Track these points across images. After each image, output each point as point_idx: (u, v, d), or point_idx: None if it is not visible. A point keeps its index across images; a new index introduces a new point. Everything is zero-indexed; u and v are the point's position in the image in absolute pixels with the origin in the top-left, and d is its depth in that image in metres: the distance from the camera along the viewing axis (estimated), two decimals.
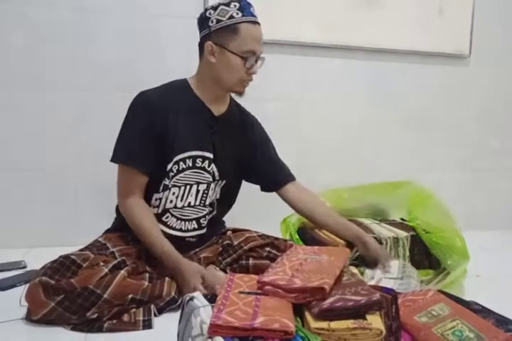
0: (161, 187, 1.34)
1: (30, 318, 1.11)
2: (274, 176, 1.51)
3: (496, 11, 2.26)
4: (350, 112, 2.14)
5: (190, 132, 1.33)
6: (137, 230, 1.30)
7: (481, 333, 0.89)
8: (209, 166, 1.38)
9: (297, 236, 1.60)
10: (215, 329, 0.73)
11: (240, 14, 1.26)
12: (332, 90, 2.11)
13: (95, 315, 1.11)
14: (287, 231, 1.63)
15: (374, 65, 2.14)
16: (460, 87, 2.28)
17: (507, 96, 2.35)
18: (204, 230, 1.42)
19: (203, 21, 1.31)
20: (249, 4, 1.30)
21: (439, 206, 1.49)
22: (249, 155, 1.48)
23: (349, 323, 0.78)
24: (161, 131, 1.30)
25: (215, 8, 1.28)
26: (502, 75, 2.32)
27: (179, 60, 1.84)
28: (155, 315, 1.16)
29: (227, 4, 1.27)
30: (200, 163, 1.36)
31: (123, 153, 1.32)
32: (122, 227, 1.37)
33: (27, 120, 1.78)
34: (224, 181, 1.44)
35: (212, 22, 1.27)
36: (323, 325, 0.78)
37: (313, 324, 0.78)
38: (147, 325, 1.12)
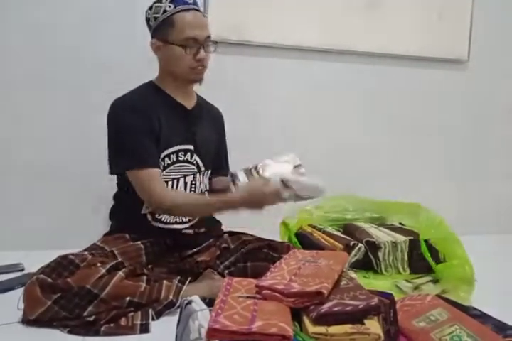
0: None
1: (26, 318, 1.10)
2: (221, 167, 1.56)
3: (495, 16, 2.27)
4: (348, 116, 2.15)
5: (170, 128, 1.36)
6: (195, 207, 1.33)
7: (479, 338, 0.89)
8: (191, 157, 1.41)
9: (295, 240, 1.60)
10: (213, 333, 0.73)
11: (172, 6, 1.29)
12: (329, 94, 2.12)
13: (92, 318, 1.11)
14: (286, 234, 1.63)
15: (373, 69, 2.15)
16: (458, 92, 2.28)
17: (505, 101, 2.36)
18: (196, 219, 1.43)
19: (147, 23, 1.36)
20: None
21: (448, 231, 1.49)
22: (217, 144, 1.54)
23: (347, 328, 0.78)
24: (149, 128, 1.32)
25: (150, 7, 1.33)
26: (500, 80, 2.33)
27: None
28: (153, 319, 1.16)
29: (160, 0, 1.31)
30: (183, 156, 1.39)
31: (133, 159, 1.29)
32: (119, 228, 1.38)
33: (26, 121, 1.78)
34: (209, 170, 1.48)
35: (151, 21, 1.33)
36: (321, 329, 0.77)
37: (311, 328, 0.78)
38: (144, 329, 1.12)
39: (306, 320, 0.81)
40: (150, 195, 1.29)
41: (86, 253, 1.23)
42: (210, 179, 1.52)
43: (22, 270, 1.53)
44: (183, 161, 1.39)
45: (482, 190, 2.37)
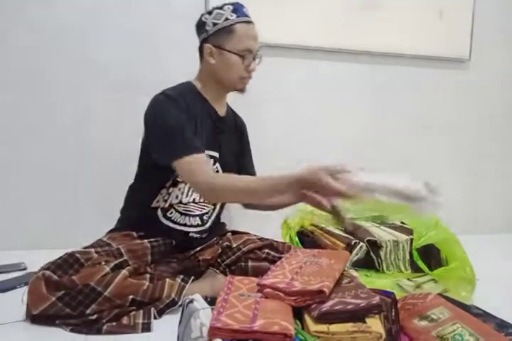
0: (171, 182, 1.36)
1: (30, 313, 1.11)
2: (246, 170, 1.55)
3: (496, 15, 2.27)
4: (351, 115, 2.15)
5: (201, 132, 1.36)
6: (243, 190, 1.22)
7: (481, 337, 0.89)
8: (214, 165, 1.41)
9: (297, 239, 1.60)
10: (214, 331, 0.73)
11: (234, 16, 1.32)
12: (334, 94, 2.12)
13: (95, 316, 1.11)
14: (287, 233, 1.63)
15: (374, 68, 2.15)
16: (460, 91, 2.28)
17: (507, 100, 2.35)
18: (206, 226, 1.44)
19: (200, 26, 1.37)
20: (242, 6, 1.36)
21: (447, 231, 1.48)
22: (241, 154, 1.54)
23: (348, 326, 0.78)
24: (191, 123, 1.32)
25: (210, 12, 1.35)
26: (502, 79, 2.33)
27: (178, 61, 1.85)
28: (155, 318, 1.16)
29: (221, 8, 1.33)
30: None
31: (182, 148, 1.26)
32: (127, 225, 1.39)
33: (27, 120, 1.78)
34: None
35: (208, 26, 1.34)
36: (323, 328, 0.78)
37: (313, 327, 0.78)
38: (146, 328, 1.12)
39: (307, 319, 0.81)
40: (205, 180, 1.23)
41: (92, 250, 1.24)
42: None
43: (24, 269, 1.54)
44: None
45: (485, 189, 2.37)
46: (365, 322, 0.79)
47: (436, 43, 2.18)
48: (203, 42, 1.37)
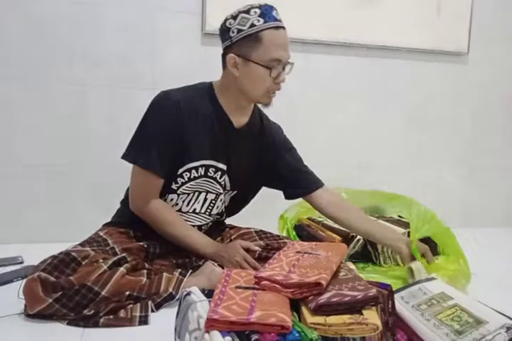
0: (167, 190, 1.33)
1: (26, 312, 1.10)
2: (299, 184, 1.46)
3: (495, 9, 2.26)
4: (349, 109, 2.15)
5: (207, 141, 1.30)
6: (165, 229, 1.32)
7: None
8: (221, 177, 1.36)
9: (294, 233, 1.60)
10: (211, 323, 0.73)
11: (262, 21, 1.19)
12: (331, 87, 2.11)
13: (92, 312, 1.11)
14: (284, 227, 1.64)
15: (373, 62, 2.14)
16: (459, 85, 2.28)
17: (505, 94, 2.35)
18: (205, 228, 1.43)
19: (223, 32, 1.25)
20: (271, 8, 1.23)
21: (442, 225, 1.49)
22: (266, 166, 1.44)
23: (345, 318, 0.78)
24: (180, 135, 1.27)
25: (234, 17, 1.21)
26: (500, 73, 2.33)
27: (175, 54, 1.84)
28: (152, 311, 1.16)
29: (247, 11, 1.20)
30: (213, 173, 1.34)
31: (143, 156, 1.27)
32: (125, 222, 1.38)
33: (23, 115, 1.77)
34: (235, 191, 1.44)
35: (233, 32, 1.21)
36: (320, 319, 0.78)
37: (310, 319, 0.78)
38: (143, 321, 1.12)
39: (304, 311, 0.81)
40: (140, 198, 1.30)
41: (88, 249, 1.22)
42: (308, 196, 1.45)
43: (21, 263, 1.53)
44: (211, 178, 1.34)
45: (482, 183, 2.38)
46: (362, 314, 0.79)
47: (434, 37, 2.17)
48: (226, 50, 1.25)
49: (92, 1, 1.78)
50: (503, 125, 2.38)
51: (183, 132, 1.27)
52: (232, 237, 1.46)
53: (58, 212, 1.83)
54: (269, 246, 1.38)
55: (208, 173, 1.33)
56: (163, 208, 1.32)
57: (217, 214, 1.43)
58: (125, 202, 1.41)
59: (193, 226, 1.38)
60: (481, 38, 2.24)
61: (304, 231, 1.63)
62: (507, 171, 2.41)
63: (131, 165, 1.39)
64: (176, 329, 0.90)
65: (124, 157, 1.30)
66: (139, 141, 1.30)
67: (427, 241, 1.50)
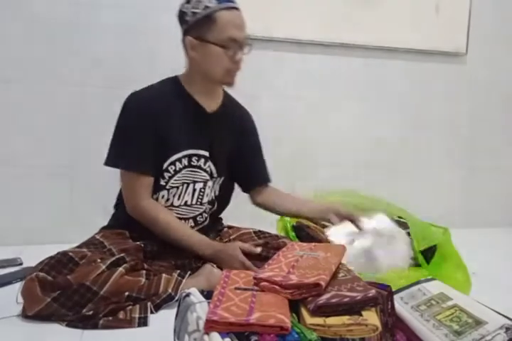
0: (157, 188, 1.33)
1: (25, 314, 1.10)
2: (254, 174, 1.52)
3: (493, 9, 2.27)
4: (347, 110, 2.15)
5: (184, 131, 1.32)
6: (162, 230, 1.32)
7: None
8: (205, 164, 1.37)
9: (293, 233, 1.59)
10: (211, 325, 0.73)
11: (215, 2, 1.23)
12: (329, 88, 2.12)
13: (91, 312, 1.11)
14: (283, 228, 1.63)
15: (371, 62, 2.14)
16: (457, 85, 2.28)
17: (504, 94, 2.36)
18: (201, 226, 1.43)
19: (180, 17, 1.29)
20: None
21: (438, 236, 1.49)
22: (238, 150, 1.47)
23: (345, 319, 0.78)
24: (157, 132, 1.29)
25: (188, 1, 1.26)
26: (499, 73, 2.33)
27: (172, 56, 1.83)
28: (151, 312, 1.16)
29: None
30: (196, 162, 1.36)
31: (125, 159, 1.29)
32: (121, 224, 1.38)
33: (23, 116, 1.77)
34: (222, 178, 1.45)
35: (188, 16, 1.25)
36: (319, 320, 0.77)
37: (309, 320, 0.78)
38: (143, 322, 1.12)
39: (303, 312, 0.81)
40: (132, 200, 1.30)
41: (85, 250, 1.22)
42: (250, 189, 1.51)
43: (20, 264, 1.53)
44: (195, 167, 1.36)
45: (482, 183, 2.38)
46: (361, 314, 0.79)
47: (432, 37, 2.17)
48: (184, 34, 1.29)
49: (92, 1, 1.78)
50: (502, 125, 2.38)
51: (158, 128, 1.29)
52: (231, 237, 1.46)
53: (58, 214, 1.83)
54: (268, 245, 1.38)
55: (192, 162, 1.35)
56: (158, 209, 1.33)
57: (209, 202, 1.43)
58: (118, 206, 1.43)
59: (188, 218, 1.39)
60: (480, 38, 2.24)
61: (302, 232, 1.62)
62: (506, 171, 2.41)
63: None
64: (175, 330, 0.89)
65: (107, 163, 1.32)
66: (118, 144, 1.32)
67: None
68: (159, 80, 1.37)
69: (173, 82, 1.36)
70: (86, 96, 1.82)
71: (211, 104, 1.38)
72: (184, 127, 1.32)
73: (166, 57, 1.85)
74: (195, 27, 1.25)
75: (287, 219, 1.66)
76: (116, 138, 1.32)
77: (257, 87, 1.98)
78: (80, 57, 1.80)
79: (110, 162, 1.32)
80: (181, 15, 1.28)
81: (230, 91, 1.43)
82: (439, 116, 2.28)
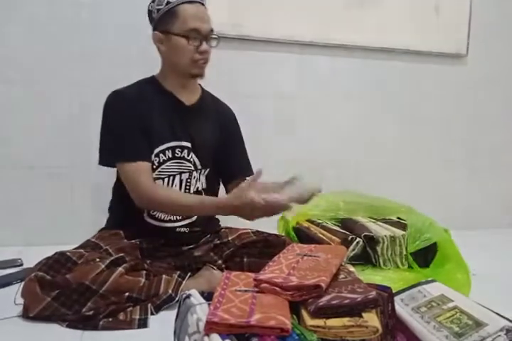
0: None
1: (26, 315, 1.10)
2: (234, 168, 1.51)
3: (494, 10, 2.27)
4: (347, 111, 2.15)
5: (165, 124, 1.36)
6: (177, 210, 1.32)
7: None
8: (188, 155, 1.40)
9: (293, 234, 1.60)
10: (211, 326, 0.73)
11: None
12: (328, 88, 2.12)
13: (91, 312, 1.11)
14: (284, 228, 1.63)
15: (371, 64, 2.14)
16: (458, 86, 2.28)
17: (504, 95, 2.36)
18: (193, 219, 1.43)
19: (149, 16, 1.36)
20: None
21: (440, 232, 1.48)
22: (220, 143, 1.49)
23: (345, 321, 0.77)
24: (140, 125, 1.32)
25: (153, 0, 1.33)
26: (499, 74, 2.33)
27: None
28: (152, 314, 1.16)
29: None
30: (180, 153, 1.38)
31: (122, 152, 1.31)
32: (115, 225, 1.39)
33: (23, 117, 1.77)
34: (207, 169, 1.46)
35: (154, 13, 1.33)
36: (320, 322, 0.77)
37: (310, 321, 0.78)
38: (142, 324, 1.12)
39: (304, 313, 0.81)
40: (137, 188, 1.29)
41: (82, 250, 1.23)
42: (229, 182, 1.49)
43: (20, 265, 1.53)
44: (179, 158, 1.38)
45: (482, 184, 2.38)
46: (361, 316, 0.79)
47: (432, 38, 2.18)
48: (153, 31, 1.34)
49: (92, 2, 1.78)
50: (502, 126, 2.38)
51: (141, 122, 1.32)
52: (230, 237, 1.46)
53: (58, 215, 1.83)
54: (269, 243, 1.40)
55: (176, 154, 1.37)
56: (166, 189, 1.35)
57: (195, 193, 1.43)
58: (112, 208, 1.45)
59: None
60: (480, 40, 2.24)
61: (303, 233, 1.63)
62: (506, 171, 2.41)
63: None
64: (175, 332, 0.89)
65: (101, 162, 1.35)
66: (108, 142, 1.34)
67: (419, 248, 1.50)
68: (132, 83, 1.41)
69: (150, 80, 1.41)
70: (87, 97, 1.81)
71: (190, 98, 1.42)
72: (165, 119, 1.36)
73: None
74: (160, 22, 1.31)
75: (288, 219, 1.66)
76: (105, 137, 1.35)
77: (257, 88, 1.98)
78: (80, 57, 1.79)
79: (105, 161, 1.34)
80: (149, 14, 1.35)
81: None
82: (440, 117, 2.28)
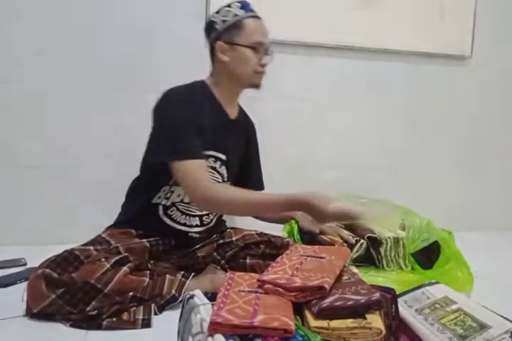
0: (174, 180, 1.33)
1: (30, 311, 1.11)
2: (249, 181, 1.54)
3: (498, 12, 2.26)
4: (352, 112, 2.15)
5: (209, 132, 1.35)
6: (239, 210, 1.28)
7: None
8: (220, 167, 1.40)
9: (298, 236, 1.59)
10: (215, 327, 0.73)
11: (243, 11, 1.34)
12: (334, 90, 2.11)
13: (95, 312, 1.12)
14: (289, 229, 1.63)
15: (375, 65, 2.14)
16: (462, 88, 2.28)
17: (508, 97, 2.35)
18: (206, 227, 1.44)
19: (209, 26, 1.38)
20: (249, 3, 1.38)
21: (438, 232, 1.48)
22: (242, 157, 1.52)
23: (349, 322, 0.78)
24: (196, 124, 1.30)
25: (217, 11, 1.36)
26: (503, 76, 2.32)
27: (179, 58, 1.85)
28: (155, 314, 1.16)
29: (229, 5, 1.35)
30: (213, 163, 1.38)
31: (181, 149, 1.27)
32: (128, 222, 1.38)
33: (24, 116, 1.78)
34: (230, 182, 1.46)
35: (218, 24, 1.35)
36: (323, 323, 0.77)
37: (313, 323, 0.78)
38: (146, 324, 1.12)
39: (307, 314, 0.81)
40: (196, 184, 1.24)
41: (91, 248, 1.24)
42: None
43: (24, 265, 1.54)
44: (211, 168, 1.37)
45: (483, 186, 2.37)
46: (365, 318, 0.79)
47: (437, 40, 2.17)
48: (213, 40, 1.36)
49: (95, 3, 1.79)
50: (507, 128, 2.37)
51: (196, 122, 1.31)
52: (234, 238, 1.46)
53: (61, 214, 1.83)
54: (272, 244, 1.41)
55: (209, 163, 1.36)
56: (224, 186, 1.37)
57: None
58: (125, 205, 1.44)
59: (196, 216, 1.40)
60: (485, 41, 2.24)
61: (306, 235, 1.62)
62: (508, 173, 2.40)
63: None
64: (178, 332, 0.90)
65: (159, 158, 1.29)
66: (171, 137, 1.28)
67: (422, 250, 1.49)
68: (186, 83, 1.38)
69: (202, 85, 1.40)
70: (88, 97, 1.82)
71: (233, 111, 1.45)
72: (210, 127, 1.35)
73: (171, 60, 1.86)
74: (226, 33, 1.34)
75: (293, 221, 1.66)
76: (164, 132, 1.30)
77: (263, 89, 1.97)
78: (81, 57, 1.80)
79: (162, 156, 1.28)
80: (210, 24, 1.37)
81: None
82: (444, 119, 2.28)
